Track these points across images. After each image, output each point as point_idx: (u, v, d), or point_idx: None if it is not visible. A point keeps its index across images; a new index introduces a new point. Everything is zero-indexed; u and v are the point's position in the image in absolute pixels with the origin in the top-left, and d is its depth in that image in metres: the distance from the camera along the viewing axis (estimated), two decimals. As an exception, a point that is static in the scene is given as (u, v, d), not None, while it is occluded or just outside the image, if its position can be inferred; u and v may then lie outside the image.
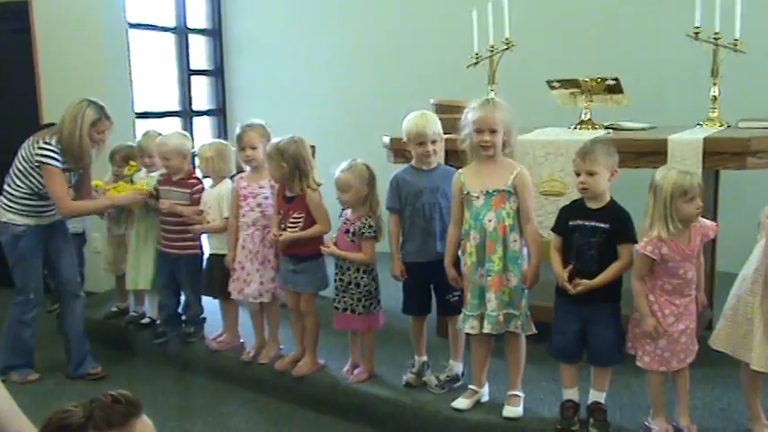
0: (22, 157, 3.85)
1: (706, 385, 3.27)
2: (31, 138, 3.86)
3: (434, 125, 3.36)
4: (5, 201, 3.89)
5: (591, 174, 2.90)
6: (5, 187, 3.90)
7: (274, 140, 3.63)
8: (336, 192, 3.46)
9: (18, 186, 3.85)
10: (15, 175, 3.86)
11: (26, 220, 3.87)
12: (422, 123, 3.35)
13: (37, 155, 3.78)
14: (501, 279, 3.08)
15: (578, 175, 2.94)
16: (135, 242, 4.32)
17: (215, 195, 3.99)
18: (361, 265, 3.47)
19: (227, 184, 3.97)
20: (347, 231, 3.47)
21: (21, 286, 3.95)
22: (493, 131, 3.04)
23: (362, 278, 3.48)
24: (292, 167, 3.55)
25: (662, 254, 2.80)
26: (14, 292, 3.98)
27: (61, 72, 5.19)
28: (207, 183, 4.11)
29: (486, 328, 3.11)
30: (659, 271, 2.84)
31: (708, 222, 2.89)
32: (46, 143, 3.79)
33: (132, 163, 4.32)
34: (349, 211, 3.50)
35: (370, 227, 3.43)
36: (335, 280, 3.54)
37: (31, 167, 3.81)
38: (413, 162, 3.45)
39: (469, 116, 3.08)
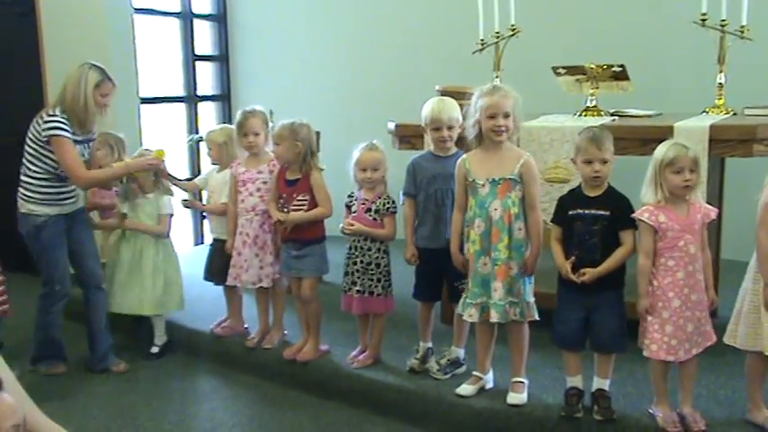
0: (31, 139, 3.73)
1: (710, 373, 3.27)
2: (35, 117, 3.76)
3: (451, 111, 3.35)
4: (23, 191, 3.77)
5: (604, 161, 2.91)
6: (22, 177, 3.78)
7: (284, 121, 3.64)
8: (363, 172, 3.47)
9: (34, 172, 3.74)
10: (28, 160, 3.75)
11: (46, 209, 3.75)
12: (438, 109, 3.35)
13: (44, 129, 3.65)
14: (508, 268, 3.08)
15: (590, 163, 2.92)
16: (129, 260, 4.09)
17: (221, 180, 4.01)
18: (383, 243, 3.51)
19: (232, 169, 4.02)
20: (369, 210, 3.49)
21: (45, 278, 3.86)
22: (506, 116, 3.04)
23: (383, 258, 3.52)
24: (305, 148, 3.58)
25: (659, 222, 2.81)
26: (41, 285, 3.89)
27: (66, 57, 5.15)
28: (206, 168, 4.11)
29: (494, 318, 3.12)
30: (660, 246, 2.84)
31: (709, 205, 2.91)
32: (50, 115, 3.67)
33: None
34: (363, 192, 3.52)
35: (393, 202, 3.51)
36: (355, 263, 3.52)
37: (42, 146, 3.69)
38: (431, 148, 3.45)
39: (480, 102, 3.07)
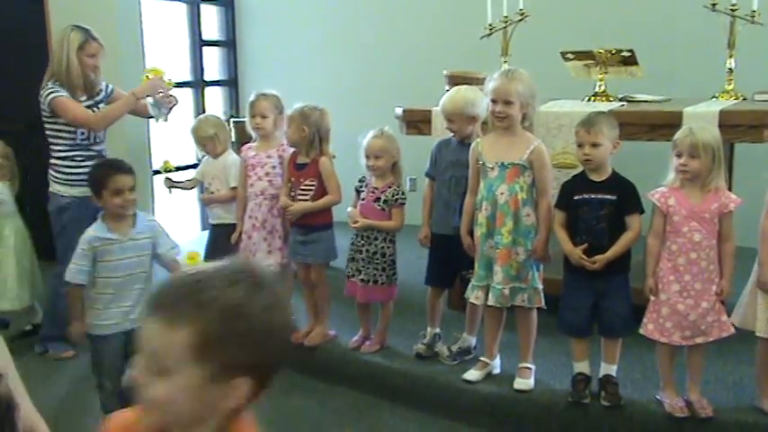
0: (44, 120, 3.77)
1: (718, 359, 3.26)
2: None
3: (450, 105, 3.33)
4: (52, 172, 3.84)
5: (595, 145, 2.91)
6: (51, 161, 3.85)
7: (298, 104, 3.64)
8: (367, 159, 3.47)
9: (58, 151, 3.79)
10: (50, 142, 3.80)
11: (71, 190, 3.78)
12: (444, 99, 3.38)
13: (44, 102, 3.68)
14: (509, 252, 3.08)
15: (581, 146, 2.94)
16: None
17: (220, 166, 4.02)
18: (389, 233, 3.50)
19: (230, 155, 4.05)
20: (377, 199, 3.48)
21: (60, 257, 3.79)
22: (507, 102, 3.01)
23: (388, 247, 3.51)
24: (312, 133, 3.57)
25: (668, 205, 2.81)
26: (57, 263, 3.86)
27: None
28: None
29: (491, 301, 3.13)
30: (667, 229, 2.84)
31: (733, 196, 2.87)
32: (43, 88, 3.70)
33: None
34: (373, 180, 3.51)
35: (402, 193, 3.49)
36: (360, 252, 3.53)
37: (52, 122, 3.73)
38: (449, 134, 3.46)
39: (488, 86, 3.07)
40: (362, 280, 3.53)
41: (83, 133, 3.78)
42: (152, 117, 4.10)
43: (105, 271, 2.94)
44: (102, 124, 3.89)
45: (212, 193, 4.06)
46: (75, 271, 2.93)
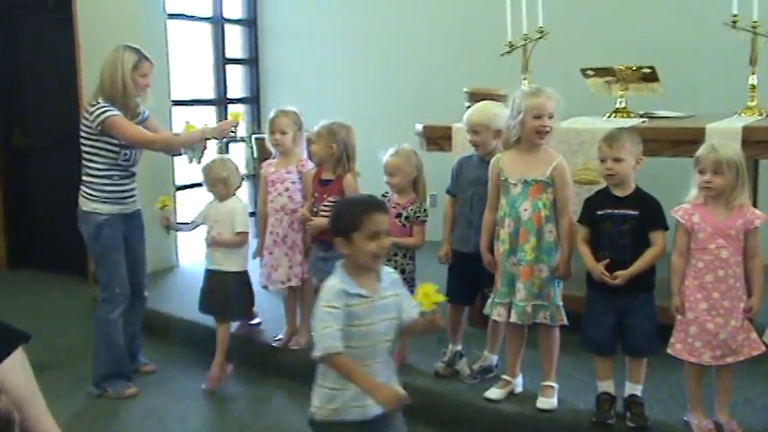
0: (84, 137, 3.64)
1: (748, 380, 3.19)
2: (82, 115, 3.68)
3: (476, 115, 3.34)
4: (87, 190, 3.67)
5: (617, 160, 2.90)
6: (84, 178, 3.69)
7: (325, 121, 3.66)
8: (385, 176, 3.50)
9: (96, 170, 3.64)
10: (88, 159, 3.66)
11: (110, 208, 3.66)
12: (468, 112, 3.40)
13: (93, 120, 3.55)
14: (532, 269, 3.07)
15: (603, 161, 2.93)
16: None
17: (226, 210, 3.83)
18: (409, 250, 3.50)
19: (237, 200, 3.90)
20: (399, 215, 3.49)
21: (105, 281, 3.71)
22: (551, 117, 3.04)
23: (408, 264, 3.51)
24: (340, 150, 3.60)
25: (693, 222, 2.79)
26: (99, 289, 3.76)
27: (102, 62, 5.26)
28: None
29: (513, 318, 3.11)
30: (692, 246, 2.82)
31: (758, 212, 2.83)
32: (92, 105, 3.59)
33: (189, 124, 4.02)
34: (395, 197, 3.53)
35: (425, 210, 3.50)
36: None
37: (96, 139, 3.60)
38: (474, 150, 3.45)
39: (525, 103, 3.05)
40: None
41: (125, 154, 3.67)
42: (179, 155, 4.06)
43: (348, 339, 2.27)
44: (163, 146, 3.87)
45: (214, 236, 3.85)
46: (327, 337, 2.24)
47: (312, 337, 3.89)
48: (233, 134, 4.01)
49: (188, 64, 6.03)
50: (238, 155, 6.19)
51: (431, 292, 2.22)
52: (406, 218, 3.48)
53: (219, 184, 3.83)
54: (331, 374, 2.32)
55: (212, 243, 3.85)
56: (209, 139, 3.86)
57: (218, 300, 3.86)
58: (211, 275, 3.89)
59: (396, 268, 3.44)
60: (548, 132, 3.05)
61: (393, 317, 2.35)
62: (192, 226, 4.04)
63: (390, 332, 2.36)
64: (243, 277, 3.89)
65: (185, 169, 5.27)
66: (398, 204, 3.51)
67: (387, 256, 3.40)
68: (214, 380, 3.81)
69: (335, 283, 2.29)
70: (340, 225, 2.33)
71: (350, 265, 2.32)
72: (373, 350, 2.32)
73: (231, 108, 4.10)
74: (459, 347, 3.55)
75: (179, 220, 4.26)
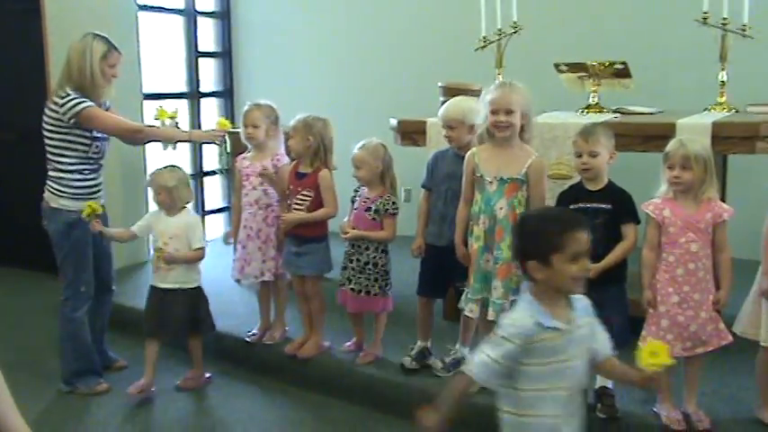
0: (51, 130, 3.51)
1: (714, 371, 3.24)
2: (47, 107, 3.52)
3: (453, 111, 3.34)
4: (56, 186, 3.54)
5: (593, 155, 2.93)
6: (51, 173, 3.56)
7: (301, 115, 3.65)
8: (353, 169, 3.50)
9: (66, 164, 3.52)
10: (57, 153, 3.53)
11: (80, 204, 3.52)
12: (444, 107, 3.41)
13: (65, 113, 3.43)
14: (510, 267, 3.07)
15: (579, 156, 2.96)
16: None
17: (181, 225, 3.61)
18: (381, 243, 3.50)
19: (191, 214, 3.71)
20: (368, 209, 3.49)
21: (71, 279, 3.61)
22: (509, 112, 3.01)
23: (380, 258, 3.51)
24: (317, 143, 3.59)
25: (663, 216, 2.83)
26: (63, 287, 3.65)
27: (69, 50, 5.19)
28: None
29: (491, 316, 3.11)
30: (663, 240, 2.86)
31: (726, 206, 2.88)
32: (63, 96, 3.45)
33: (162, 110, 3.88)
34: (366, 190, 3.53)
35: (393, 203, 3.49)
36: (351, 261, 3.54)
37: (67, 132, 3.48)
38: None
39: (487, 97, 3.07)
40: (353, 290, 3.53)
41: (96, 146, 3.59)
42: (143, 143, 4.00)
43: (539, 380, 1.98)
44: (146, 138, 3.80)
45: (171, 253, 3.59)
46: (485, 368, 2.03)
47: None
48: (219, 144, 4.00)
49: (160, 57, 5.96)
50: (212, 149, 6.15)
51: (662, 352, 1.97)
52: (376, 211, 3.48)
53: (164, 193, 3.59)
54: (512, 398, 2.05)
55: (170, 260, 3.58)
56: (193, 142, 3.81)
57: (179, 319, 3.64)
58: (166, 295, 3.63)
59: (368, 262, 3.48)
60: (506, 128, 3.02)
61: (585, 348, 2.06)
62: (122, 235, 3.76)
63: (582, 371, 2.06)
64: (202, 291, 3.73)
65: (158, 159, 5.23)
66: (368, 199, 3.51)
67: (357, 247, 3.46)
68: (188, 384, 3.79)
69: (523, 314, 2.01)
70: (537, 245, 2.00)
71: (542, 291, 2.02)
72: (573, 394, 2.04)
73: (219, 117, 4.03)
74: (427, 344, 3.55)
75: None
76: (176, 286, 3.63)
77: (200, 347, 3.81)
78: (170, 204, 3.62)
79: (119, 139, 3.77)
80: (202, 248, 3.66)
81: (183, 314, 3.65)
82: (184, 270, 3.64)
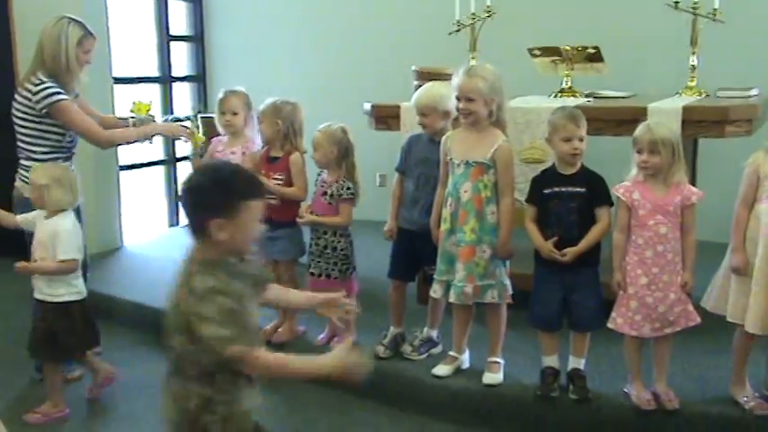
0: (23, 118, 3.41)
1: (684, 351, 3.28)
2: (19, 92, 3.42)
3: (425, 99, 3.32)
4: (27, 175, 3.37)
5: (581, 139, 2.94)
6: (24, 162, 3.45)
7: (270, 99, 3.62)
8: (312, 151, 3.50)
9: (40, 153, 3.40)
10: (29, 142, 3.42)
11: None
12: (416, 95, 3.39)
13: (38, 102, 3.33)
14: (472, 250, 3.08)
15: (569, 140, 2.93)
16: None
17: (49, 231, 3.19)
18: (338, 228, 3.48)
19: (65, 220, 3.21)
20: (324, 193, 3.48)
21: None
22: (469, 99, 3.01)
23: (339, 242, 3.49)
24: (286, 127, 3.57)
25: (633, 199, 2.85)
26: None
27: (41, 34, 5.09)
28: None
29: (452, 298, 3.14)
30: (633, 223, 2.88)
31: (695, 189, 2.91)
32: (36, 84, 3.34)
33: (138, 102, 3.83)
34: (325, 174, 3.51)
35: (348, 188, 3.45)
36: (311, 245, 3.55)
37: (40, 121, 3.38)
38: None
39: (453, 83, 3.08)
40: (312, 273, 3.53)
41: (70, 135, 3.51)
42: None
43: None
44: (108, 145, 3.73)
45: (35, 261, 3.23)
46: None
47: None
48: (184, 141, 3.95)
49: (130, 40, 5.87)
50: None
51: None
52: (331, 195, 3.47)
53: (35, 190, 3.19)
54: None
55: (25, 271, 3.19)
56: (159, 135, 3.78)
57: (36, 337, 3.26)
58: (35, 306, 3.26)
59: (326, 246, 3.48)
60: (468, 114, 3.02)
61: None
62: (6, 220, 3.38)
63: None
64: (71, 309, 3.26)
65: (130, 148, 5.17)
66: (325, 182, 3.50)
67: (316, 231, 3.45)
68: (37, 418, 3.30)
69: None
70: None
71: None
72: None
73: (200, 134, 3.99)
74: (400, 329, 3.55)
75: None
76: (41, 297, 3.24)
77: (56, 376, 3.33)
78: (41, 205, 3.22)
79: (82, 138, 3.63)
80: (71, 261, 3.17)
81: (40, 331, 3.23)
82: (46, 281, 3.21)
